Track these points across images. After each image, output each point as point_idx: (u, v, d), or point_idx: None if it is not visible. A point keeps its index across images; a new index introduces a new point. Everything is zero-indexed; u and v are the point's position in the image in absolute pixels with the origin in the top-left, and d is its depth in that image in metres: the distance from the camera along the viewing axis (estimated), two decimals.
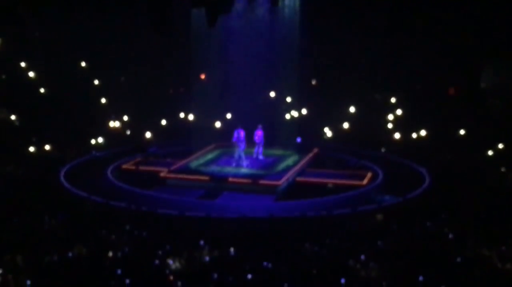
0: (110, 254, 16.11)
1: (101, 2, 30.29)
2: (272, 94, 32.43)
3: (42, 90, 31.36)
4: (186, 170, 26.76)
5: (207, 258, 16.01)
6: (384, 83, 33.09)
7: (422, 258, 15.70)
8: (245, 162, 27.32)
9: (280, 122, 31.32)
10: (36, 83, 30.98)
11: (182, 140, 31.26)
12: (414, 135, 28.27)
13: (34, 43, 31.90)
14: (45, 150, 27.55)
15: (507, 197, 22.11)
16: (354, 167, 27.89)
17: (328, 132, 29.49)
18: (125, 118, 30.55)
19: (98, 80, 32.78)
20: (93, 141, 29.24)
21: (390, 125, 29.52)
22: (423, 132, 27.68)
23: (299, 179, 26.28)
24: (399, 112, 30.18)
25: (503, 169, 26.13)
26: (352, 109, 29.86)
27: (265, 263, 15.37)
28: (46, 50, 31.73)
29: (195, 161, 27.99)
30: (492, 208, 20.41)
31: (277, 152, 29.75)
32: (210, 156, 29.29)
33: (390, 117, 29.99)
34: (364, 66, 32.55)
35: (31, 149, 27.04)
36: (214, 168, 27.11)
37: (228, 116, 30.51)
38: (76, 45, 31.77)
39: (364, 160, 28.45)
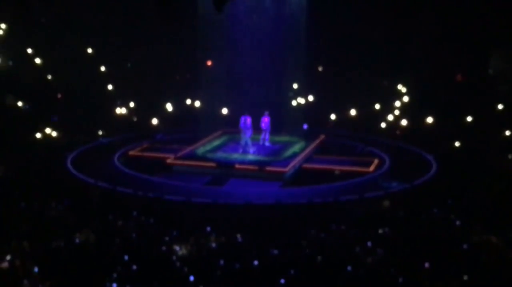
0: (117, 240, 16.16)
1: None
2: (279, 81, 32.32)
3: (49, 77, 31.35)
4: (193, 156, 26.76)
5: (213, 245, 16.05)
6: (391, 69, 32.90)
7: (429, 244, 15.69)
8: (251, 149, 27.30)
9: (286, 108, 31.23)
10: (42, 69, 30.94)
11: (188, 127, 31.23)
12: (421, 122, 28.14)
13: (40, 29, 31.83)
14: (51, 136, 27.57)
15: None
16: (361, 153, 27.86)
17: (334, 119, 29.41)
18: (132, 104, 30.54)
19: (105, 66, 32.71)
20: (99, 128, 29.26)
21: (397, 112, 29.40)
22: (430, 119, 27.54)
23: (305, 165, 26.25)
24: (406, 98, 30.04)
25: (510, 156, 26.02)
26: (359, 96, 29.75)
27: (271, 250, 15.40)
28: (52, 36, 31.67)
29: (202, 148, 27.98)
30: (499, 195, 20.36)
31: (284, 138, 29.70)
32: (216, 142, 29.26)
33: (397, 103, 29.85)
34: (371, 53, 32.34)
35: (38, 135, 27.06)
36: (220, 154, 27.12)
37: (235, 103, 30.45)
38: (83, 31, 31.71)
39: (371, 146, 28.42)
